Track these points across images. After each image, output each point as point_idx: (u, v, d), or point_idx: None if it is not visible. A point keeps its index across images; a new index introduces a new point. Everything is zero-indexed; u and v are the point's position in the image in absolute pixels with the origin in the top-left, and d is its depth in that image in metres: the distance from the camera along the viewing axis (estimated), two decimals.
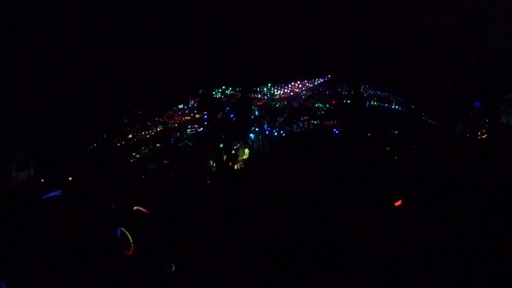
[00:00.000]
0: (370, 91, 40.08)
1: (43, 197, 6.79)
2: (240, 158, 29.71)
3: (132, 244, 6.11)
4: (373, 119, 34.73)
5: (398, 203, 6.49)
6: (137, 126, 32.98)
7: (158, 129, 32.60)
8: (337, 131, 34.78)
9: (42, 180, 10.53)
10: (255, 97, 33.81)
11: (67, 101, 29.83)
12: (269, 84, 35.25)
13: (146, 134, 32.75)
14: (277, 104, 35.69)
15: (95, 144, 31.50)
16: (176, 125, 32.42)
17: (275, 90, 35.71)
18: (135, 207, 7.05)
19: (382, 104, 39.73)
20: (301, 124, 36.47)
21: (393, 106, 39.73)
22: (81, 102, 30.22)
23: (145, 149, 31.64)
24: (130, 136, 32.78)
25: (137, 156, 31.37)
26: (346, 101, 38.72)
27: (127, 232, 6.15)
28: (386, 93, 40.15)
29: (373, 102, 40.07)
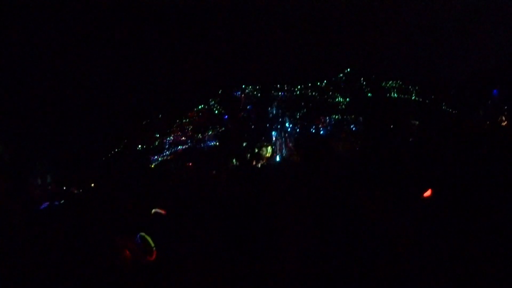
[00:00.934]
0: (389, 83, 39.65)
1: (53, 204, 6.67)
2: (263, 156, 29.51)
3: (154, 248, 5.85)
4: (394, 110, 34.60)
5: (428, 193, 6.26)
6: (158, 129, 33.04)
7: (179, 131, 32.61)
8: (356, 127, 34.61)
9: (64, 187, 10.51)
10: (275, 94, 33.51)
11: (87, 106, 29.91)
12: (289, 81, 34.96)
13: (166, 137, 32.80)
14: (297, 100, 35.38)
15: (116, 149, 31.71)
16: (197, 126, 32.37)
17: (295, 87, 35.39)
18: (154, 210, 6.84)
19: (402, 95, 39.28)
20: (322, 120, 36.23)
21: (413, 97, 39.26)
22: (101, 106, 30.26)
23: (166, 152, 31.75)
24: (151, 139, 32.87)
25: (159, 159, 31.51)
26: (366, 94, 38.48)
27: (147, 237, 5.90)
28: (405, 84, 39.63)
29: (393, 94, 39.65)
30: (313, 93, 37.11)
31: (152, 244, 5.88)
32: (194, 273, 5.76)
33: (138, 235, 5.87)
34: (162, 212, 6.61)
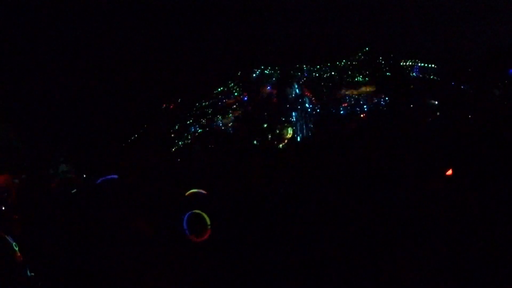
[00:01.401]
0: (408, 62, 39.07)
1: (97, 181, 6.61)
2: (284, 136, 29.46)
3: (209, 227, 5.67)
4: (414, 90, 34.28)
5: (449, 172, 6.18)
6: (178, 113, 33.10)
7: (199, 113, 32.63)
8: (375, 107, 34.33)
9: (85, 176, 10.46)
10: (294, 75, 33.22)
11: (104, 92, 29.98)
12: (308, 61, 34.64)
13: (187, 120, 32.84)
14: (317, 80, 35.10)
15: (136, 135, 31.84)
16: (217, 108, 32.34)
17: (314, 67, 35.07)
18: (193, 190, 6.71)
19: (421, 75, 38.74)
20: (342, 99, 36.02)
21: (431, 76, 38.70)
22: (120, 91, 30.32)
23: (187, 135, 31.85)
24: (171, 123, 32.96)
25: (180, 143, 31.65)
26: (386, 73, 38.02)
27: (204, 215, 5.71)
28: (423, 63, 39.02)
29: (412, 73, 39.14)
30: (333, 73, 36.80)
31: (208, 222, 5.68)
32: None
33: (188, 214, 5.67)
34: (203, 192, 6.45)
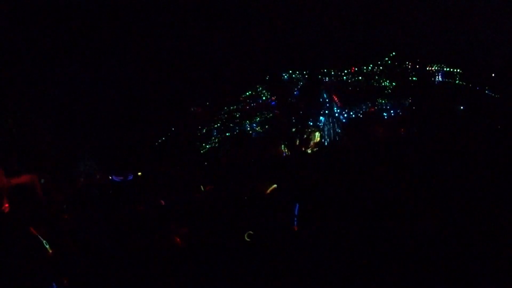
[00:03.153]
0: (434, 67, 38.83)
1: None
2: (312, 141, 29.39)
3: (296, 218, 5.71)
4: (440, 95, 34.08)
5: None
6: (206, 116, 33.31)
7: (227, 117, 32.79)
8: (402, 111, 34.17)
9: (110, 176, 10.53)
10: (322, 79, 33.16)
11: (133, 94, 30.32)
12: (335, 66, 34.58)
13: (214, 124, 33.03)
14: (344, 85, 35.05)
15: (164, 137, 32.09)
16: (245, 112, 32.46)
17: (341, 71, 35.01)
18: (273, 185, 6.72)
19: (447, 79, 38.46)
20: (369, 104, 35.94)
21: (457, 81, 38.31)
22: (148, 94, 30.66)
23: (214, 139, 32.05)
24: (199, 126, 33.17)
25: (207, 146, 31.85)
26: (412, 78, 37.89)
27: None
28: (449, 68, 38.71)
29: (438, 78, 38.86)
30: (359, 78, 36.74)
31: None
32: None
33: (297, 205, 5.64)
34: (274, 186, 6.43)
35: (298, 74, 32.86)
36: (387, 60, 38.19)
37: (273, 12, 29.95)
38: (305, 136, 29.37)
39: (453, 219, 5.28)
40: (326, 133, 30.81)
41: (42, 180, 8.56)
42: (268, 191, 6.16)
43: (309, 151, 28.42)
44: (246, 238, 5.67)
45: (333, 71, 34.30)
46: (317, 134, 30.35)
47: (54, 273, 4.28)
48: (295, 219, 5.63)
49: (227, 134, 31.64)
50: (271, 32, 31.56)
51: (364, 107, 35.37)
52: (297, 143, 28.42)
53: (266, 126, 30.56)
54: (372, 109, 35.76)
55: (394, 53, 38.46)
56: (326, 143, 30.23)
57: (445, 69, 38.67)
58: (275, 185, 6.18)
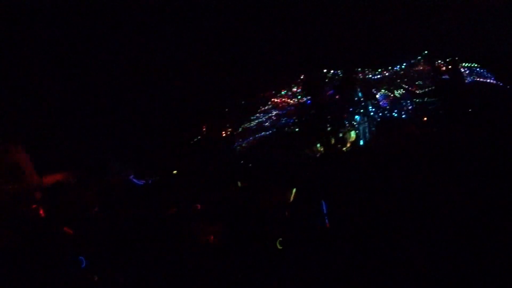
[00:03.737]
0: (465, 66, 38.36)
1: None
2: (348, 140, 29.38)
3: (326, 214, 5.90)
4: (473, 94, 33.36)
5: None
6: (241, 115, 33.59)
7: (262, 116, 33.02)
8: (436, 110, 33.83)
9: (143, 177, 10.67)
10: (358, 78, 33.11)
11: (168, 93, 30.77)
12: (369, 65, 34.51)
13: (250, 123, 33.29)
14: (379, 84, 34.94)
15: (198, 137, 32.46)
16: (280, 111, 32.63)
17: (377, 70, 34.92)
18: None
19: (478, 79, 37.91)
20: (404, 103, 35.78)
21: (488, 80, 37.63)
22: (184, 94, 31.07)
23: (249, 138, 32.30)
24: (234, 126, 33.46)
25: (243, 145, 32.16)
26: (445, 77, 37.45)
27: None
28: (479, 67, 38.13)
29: (470, 77, 38.28)
30: (393, 76, 36.59)
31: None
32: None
33: (323, 203, 5.90)
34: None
35: (333, 73, 32.87)
36: (420, 59, 37.92)
37: (309, 11, 30.02)
38: (340, 135, 29.40)
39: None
40: (361, 132, 30.72)
41: (75, 180, 8.93)
42: (291, 198, 6.32)
43: (344, 150, 28.48)
44: (278, 246, 5.85)
45: (368, 70, 34.26)
46: (353, 133, 30.30)
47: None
48: (325, 217, 5.77)
49: (262, 133, 31.90)
50: (306, 31, 31.65)
51: (398, 106, 35.26)
52: (333, 142, 28.48)
53: (302, 125, 30.68)
54: (405, 109, 35.64)
55: (426, 52, 38.15)
56: (361, 142, 30.15)
57: (477, 68, 38.22)
58: (294, 189, 6.32)
